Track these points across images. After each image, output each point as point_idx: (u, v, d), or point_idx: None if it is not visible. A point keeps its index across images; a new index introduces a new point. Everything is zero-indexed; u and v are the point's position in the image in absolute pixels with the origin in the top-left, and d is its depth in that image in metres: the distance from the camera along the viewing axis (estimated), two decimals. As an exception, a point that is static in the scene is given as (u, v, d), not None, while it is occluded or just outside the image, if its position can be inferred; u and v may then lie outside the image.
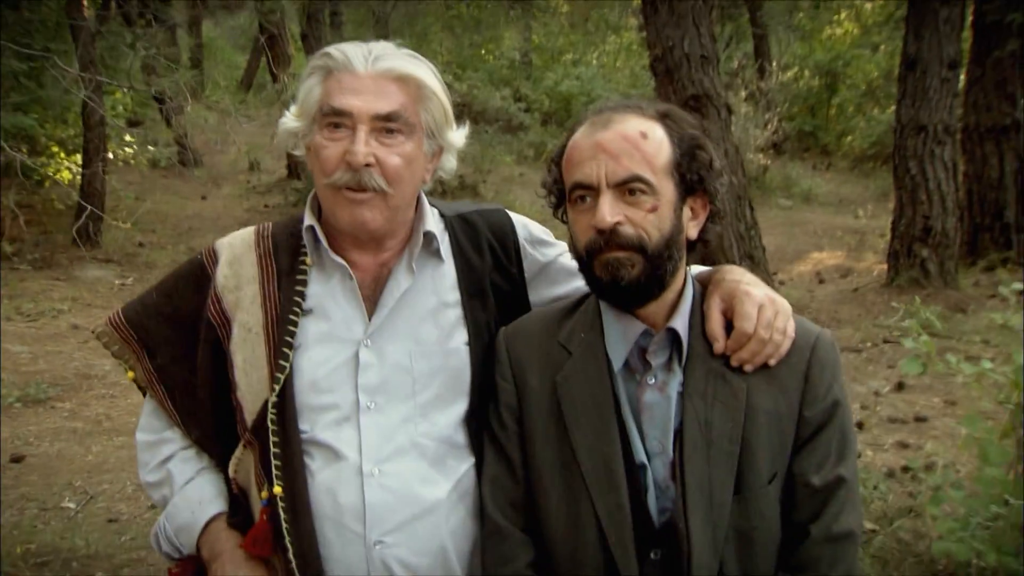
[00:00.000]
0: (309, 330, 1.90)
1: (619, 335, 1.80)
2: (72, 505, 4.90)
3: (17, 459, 5.47)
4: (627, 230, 1.67)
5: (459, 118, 2.00)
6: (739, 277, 1.84)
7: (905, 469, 4.73)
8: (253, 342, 1.91)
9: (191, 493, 1.99)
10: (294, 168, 15.17)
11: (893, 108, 10.70)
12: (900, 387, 6.41)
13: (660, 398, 1.76)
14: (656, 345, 1.78)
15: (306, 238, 1.93)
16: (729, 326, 1.77)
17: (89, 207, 9.08)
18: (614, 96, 18.21)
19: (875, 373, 6.84)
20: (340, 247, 1.93)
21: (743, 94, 16.60)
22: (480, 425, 1.93)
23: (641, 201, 1.68)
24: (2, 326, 8.24)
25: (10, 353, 7.57)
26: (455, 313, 1.97)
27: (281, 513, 1.83)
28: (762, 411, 1.73)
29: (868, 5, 22.77)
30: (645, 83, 18.54)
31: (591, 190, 1.70)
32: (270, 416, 1.85)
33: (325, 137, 1.83)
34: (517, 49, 22.17)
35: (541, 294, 2.10)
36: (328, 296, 1.93)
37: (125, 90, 12.60)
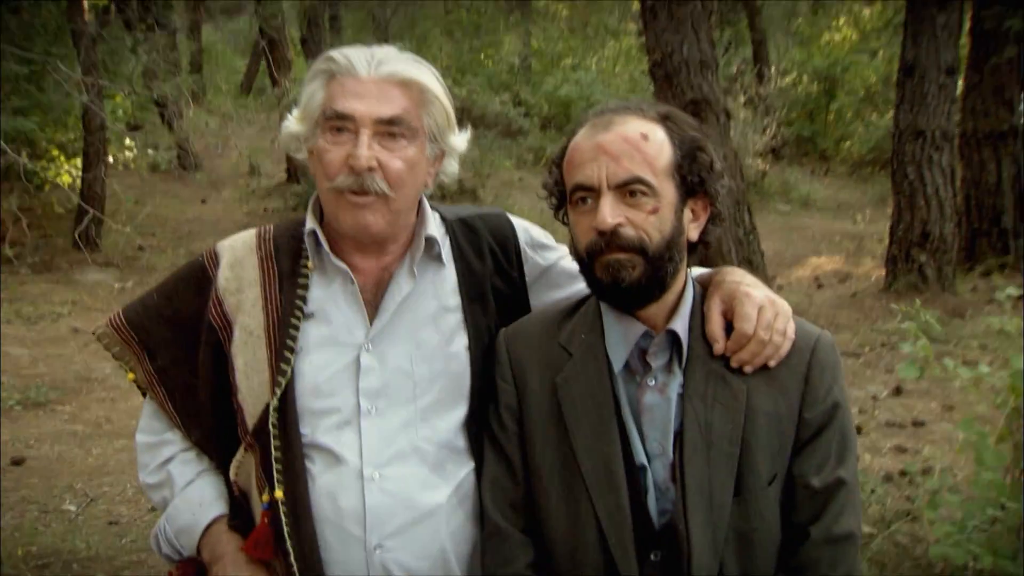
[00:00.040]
0: (310, 334, 1.90)
1: (619, 336, 1.79)
2: (72, 508, 4.92)
3: (18, 462, 5.49)
4: (628, 232, 1.67)
5: (459, 122, 2.00)
6: (739, 279, 1.84)
7: (903, 473, 4.75)
8: (254, 345, 1.90)
9: (192, 495, 1.98)
10: (294, 172, 15.17)
11: (891, 114, 10.72)
12: (898, 392, 6.43)
13: (660, 400, 1.76)
14: (656, 347, 1.77)
15: (308, 242, 1.93)
16: (729, 327, 1.77)
17: (91, 211, 9.10)
18: (611, 100, 18.23)
19: (873, 378, 6.86)
20: (342, 251, 1.93)
21: (742, 99, 16.61)
22: (480, 429, 1.93)
23: (642, 203, 1.67)
24: (2, 329, 8.25)
25: (10, 356, 7.59)
26: (456, 317, 1.96)
27: (282, 517, 1.83)
28: (762, 412, 1.73)
29: (866, 11, 22.84)
30: (644, 88, 18.54)
31: (592, 192, 1.70)
32: (271, 420, 1.84)
33: (328, 141, 1.83)
34: (516, 54, 22.18)
35: (542, 297, 2.10)
36: (329, 300, 1.92)
37: (125, 94, 12.62)
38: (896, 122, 9.65)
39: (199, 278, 2.02)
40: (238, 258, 1.99)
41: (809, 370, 1.75)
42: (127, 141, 13.07)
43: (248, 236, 2.04)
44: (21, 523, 4.67)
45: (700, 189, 1.76)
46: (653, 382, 1.77)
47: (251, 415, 1.89)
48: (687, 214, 1.76)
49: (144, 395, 2.10)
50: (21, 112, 10.58)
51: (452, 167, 2.00)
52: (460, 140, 1.99)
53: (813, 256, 12.75)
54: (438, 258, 1.98)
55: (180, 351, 2.02)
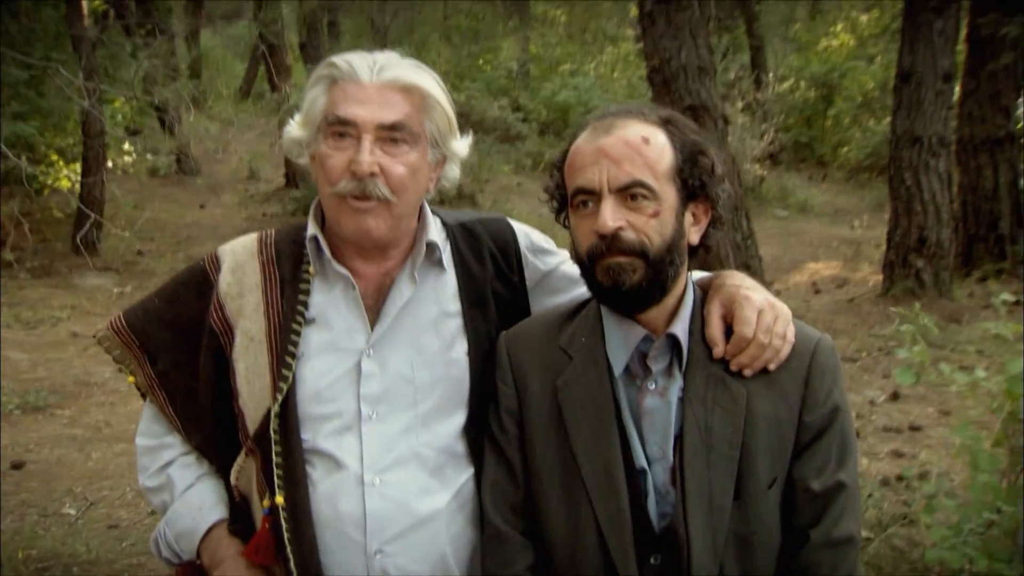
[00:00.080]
0: (311, 339, 1.90)
1: (620, 340, 1.79)
2: (72, 511, 4.92)
3: (17, 466, 5.49)
4: (629, 235, 1.67)
5: (460, 128, 2.01)
6: (739, 282, 1.84)
7: (899, 478, 4.76)
8: (255, 350, 1.91)
9: (192, 499, 1.99)
10: (292, 177, 15.18)
11: (888, 120, 10.73)
12: (895, 397, 6.44)
13: (661, 403, 1.76)
14: (656, 350, 1.78)
15: (309, 247, 1.94)
16: (729, 331, 1.77)
17: (93, 215, 9.11)
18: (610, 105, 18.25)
19: (870, 383, 6.87)
20: (343, 256, 1.93)
21: (740, 105, 16.63)
22: (479, 435, 1.93)
23: (643, 206, 1.68)
24: (2, 333, 8.26)
25: (10, 360, 7.59)
26: (456, 323, 1.97)
27: (283, 523, 1.83)
28: (762, 416, 1.73)
29: (863, 17, 22.87)
30: (642, 94, 18.55)
31: (593, 195, 1.70)
32: (272, 426, 1.85)
33: (330, 146, 1.84)
34: (515, 59, 22.20)
35: (543, 302, 2.10)
36: (330, 305, 1.93)
37: (125, 99, 12.64)
38: (893, 128, 9.66)
39: (200, 282, 2.02)
40: (239, 262, 2.00)
41: (809, 374, 1.75)
42: (126, 146, 13.07)
43: (249, 240, 2.05)
44: (21, 527, 4.67)
45: (701, 193, 1.76)
46: (653, 386, 1.77)
47: (252, 420, 1.90)
48: (688, 218, 1.77)
49: (144, 398, 2.10)
50: (21, 117, 10.58)
51: (454, 172, 2.01)
52: (462, 145, 1.99)
53: (811, 261, 12.76)
54: (439, 263, 1.99)
55: (181, 355, 2.03)
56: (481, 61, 22.31)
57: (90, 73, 9.80)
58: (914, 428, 5.83)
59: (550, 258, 2.13)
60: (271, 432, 1.85)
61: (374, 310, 1.93)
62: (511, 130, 17.56)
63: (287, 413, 1.85)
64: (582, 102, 18.68)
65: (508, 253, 2.09)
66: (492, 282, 2.04)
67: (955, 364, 4.96)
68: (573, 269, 1.96)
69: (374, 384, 1.88)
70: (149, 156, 13.65)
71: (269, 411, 1.86)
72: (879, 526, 4.05)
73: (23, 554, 4.32)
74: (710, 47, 8.10)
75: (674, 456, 1.74)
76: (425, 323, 1.95)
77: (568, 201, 1.79)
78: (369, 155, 1.79)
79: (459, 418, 1.93)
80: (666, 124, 1.75)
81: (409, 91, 1.85)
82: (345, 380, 1.88)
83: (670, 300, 1.78)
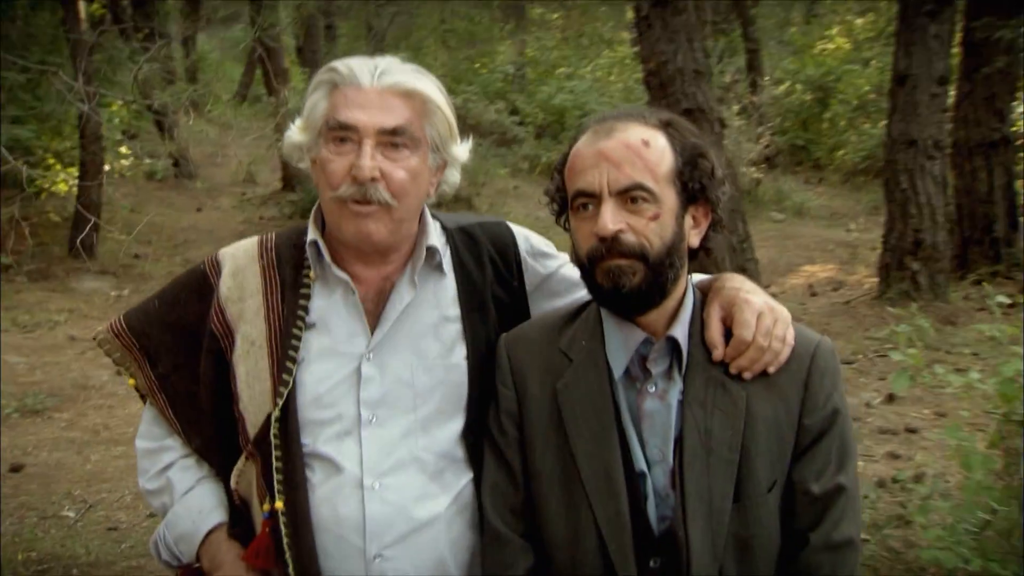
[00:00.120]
0: (312, 344, 1.90)
1: (620, 343, 1.80)
2: (71, 514, 4.94)
3: (16, 468, 5.51)
4: (629, 238, 1.68)
5: (459, 132, 2.01)
6: (739, 285, 1.84)
7: (895, 480, 4.78)
8: (256, 355, 1.92)
9: (191, 502, 2.00)
10: (289, 180, 15.19)
11: (884, 123, 10.75)
12: (891, 399, 6.44)
13: (660, 406, 1.76)
14: (656, 353, 1.78)
15: (309, 252, 1.94)
16: (729, 334, 1.77)
17: (93, 219, 9.12)
18: (607, 109, 18.26)
19: (866, 385, 6.88)
20: (343, 260, 1.94)
21: (736, 108, 16.62)
22: (478, 440, 1.93)
23: (643, 209, 1.68)
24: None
25: (7, 364, 7.60)
26: (456, 327, 1.97)
27: (282, 527, 1.84)
28: (761, 419, 1.73)
29: (859, 21, 22.90)
30: (638, 97, 18.56)
31: (593, 198, 1.70)
32: (273, 431, 1.85)
33: (331, 151, 1.84)
34: (511, 63, 22.20)
35: (542, 305, 2.10)
36: (331, 310, 1.93)
37: (121, 102, 12.62)
38: (889, 131, 9.67)
39: (201, 285, 2.03)
40: (240, 266, 2.00)
41: (809, 376, 1.76)
42: (122, 149, 13.07)
43: (250, 244, 2.05)
44: (20, 529, 4.69)
45: (701, 196, 1.76)
46: (653, 388, 1.78)
47: (252, 424, 1.91)
48: (688, 220, 1.77)
49: (144, 401, 2.11)
50: (18, 121, 10.58)
51: (454, 177, 2.01)
52: (462, 150, 1.99)
53: (807, 264, 12.77)
54: (439, 268, 1.99)
55: (181, 358, 2.03)
56: (477, 64, 22.30)
57: (88, 77, 9.79)
58: (910, 430, 5.84)
59: (550, 261, 2.13)
60: (271, 437, 1.85)
61: (374, 315, 1.93)
62: (508, 133, 17.57)
63: (287, 418, 1.86)
64: (578, 105, 18.69)
65: (508, 257, 2.09)
66: (492, 287, 2.04)
67: (950, 366, 4.98)
68: (573, 272, 1.97)
69: (374, 388, 1.88)
70: (147, 160, 13.63)
71: (269, 416, 1.86)
72: (875, 527, 4.07)
73: (23, 556, 4.34)
74: (706, 50, 8.12)
75: (674, 459, 1.74)
76: (425, 328, 1.95)
77: (568, 204, 1.80)
78: (370, 160, 1.80)
79: (458, 422, 1.93)
80: (666, 127, 1.75)
81: (410, 96, 1.85)
82: (345, 384, 1.88)
83: (670, 303, 1.78)
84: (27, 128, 10.87)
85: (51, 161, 12.12)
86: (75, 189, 11.33)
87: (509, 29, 23.45)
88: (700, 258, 1.86)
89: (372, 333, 1.91)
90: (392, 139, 1.82)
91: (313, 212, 1.99)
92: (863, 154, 18.24)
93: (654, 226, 1.69)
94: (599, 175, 1.69)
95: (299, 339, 1.89)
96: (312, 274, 1.94)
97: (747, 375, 1.75)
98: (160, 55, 11.72)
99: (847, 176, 18.78)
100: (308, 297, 1.93)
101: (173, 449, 2.06)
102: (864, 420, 6.06)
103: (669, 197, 1.71)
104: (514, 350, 1.93)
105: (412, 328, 1.94)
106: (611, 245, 1.68)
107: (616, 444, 1.76)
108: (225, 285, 1.99)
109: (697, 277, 1.92)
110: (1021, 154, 11.40)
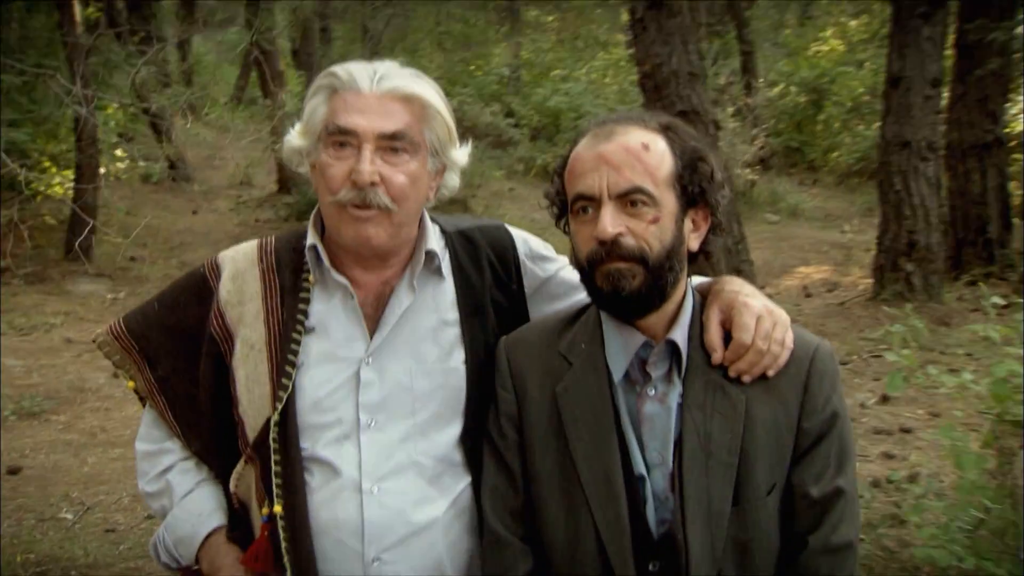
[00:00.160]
0: (311, 349, 1.91)
1: (619, 346, 1.80)
2: (69, 516, 4.94)
3: (14, 471, 5.51)
4: (628, 241, 1.67)
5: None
6: (738, 288, 1.84)
7: (890, 480, 4.80)
8: (255, 359, 1.92)
9: (191, 505, 2.01)
10: (285, 183, 15.20)
11: (878, 124, 10.78)
12: (885, 399, 6.45)
13: (660, 409, 1.76)
14: (656, 356, 1.78)
15: (308, 256, 1.94)
16: (728, 337, 1.77)
17: (91, 221, 9.11)
18: (602, 111, 18.30)
19: (861, 386, 6.90)
20: (343, 264, 1.94)
21: (730, 110, 16.65)
22: (476, 444, 1.93)
23: (643, 212, 1.68)
24: (-3, 340, 8.28)
25: (4, 367, 7.60)
26: (454, 331, 1.97)
27: (281, 532, 1.85)
28: (761, 422, 1.73)
29: (853, 23, 22.95)
30: (633, 99, 18.58)
31: (593, 201, 1.70)
32: (272, 435, 1.86)
33: (330, 156, 1.84)
34: (506, 65, 22.21)
35: (542, 309, 2.10)
36: (330, 314, 1.93)
37: (121, 106, 12.62)
38: (883, 133, 9.69)
39: (200, 289, 2.03)
40: (240, 270, 2.01)
41: (808, 379, 1.76)
42: (118, 152, 13.07)
43: (250, 248, 2.05)
44: (19, 531, 4.69)
45: (701, 199, 1.77)
46: (653, 392, 1.78)
47: (252, 428, 1.92)
48: (688, 224, 1.77)
49: (143, 403, 2.11)
50: (14, 124, 10.57)
51: (453, 181, 2.01)
52: (461, 154, 2.00)
53: (802, 265, 12.80)
54: (438, 272, 1.99)
55: (181, 361, 2.03)
56: (473, 67, 22.31)
57: (85, 80, 9.80)
58: (904, 430, 5.86)
59: (549, 264, 2.13)
60: (270, 441, 1.86)
61: (373, 319, 1.93)
62: (503, 135, 17.58)
63: (286, 422, 1.86)
64: (573, 107, 18.72)
65: (507, 260, 2.09)
66: (491, 290, 2.04)
67: (944, 367, 5.01)
68: (572, 275, 1.97)
69: (373, 393, 1.89)
70: (142, 163, 13.63)
71: (269, 420, 1.87)
72: (869, 527, 4.09)
73: (21, 558, 4.34)
74: (701, 53, 8.14)
75: (673, 462, 1.74)
76: (424, 332, 1.95)
77: (568, 207, 1.80)
78: (369, 164, 1.80)
79: (457, 427, 1.93)
80: (666, 131, 1.75)
81: (409, 100, 1.85)
82: (344, 389, 1.89)
83: (670, 306, 1.78)
84: (23, 131, 10.86)
85: (46, 164, 12.11)
86: (71, 192, 11.32)
87: (504, 31, 23.47)
88: (698, 260, 1.85)
89: (371, 337, 1.92)
90: (391, 143, 1.83)
91: (313, 216, 1.99)
92: (857, 156, 18.29)
93: (654, 229, 1.69)
94: (599, 179, 1.69)
95: (298, 343, 1.90)
96: (311, 278, 1.95)
97: (746, 378, 1.74)
98: (157, 58, 11.73)
99: (841, 178, 18.82)
100: (307, 301, 1.93)
101: (173, 452, 2.07)
102: (859, 420, 6.08)
103: (669, 201, 1.71)
104: (514, 353, 1.92)
105: (411, 332, 1.94)
106: (611, 248, 1.68)
107: (615, 447, 1.76)
108: (225, 289, 1.99)
109: (696, 280, 1.92)
110: (1014, 155, 11.45)
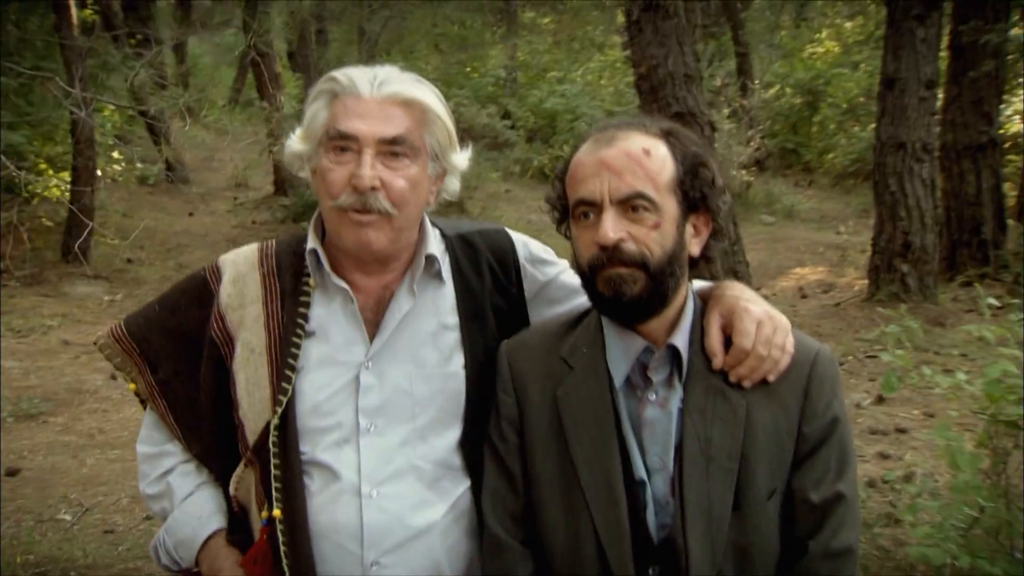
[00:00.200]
0: (311, 353, 1.91)
1: (620, 351, 1.79)
2: (68, 517, 4.95)
3: (12, 472, 5.52)
4: (630, 247, 1.67)
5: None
6: (739, 293, 1.84)
7: (885, 480, 4.82)
8: (256, 362, 1.92)
9: (191, 508, 2.01)
10: (281, 184, 15.21)
11: (873, 126, 10.82)
12: (881, 400, 6.48)
13: (661, 414, 1.76)
14: (657, 361, 1.78)
15: (309, 260, 1.94)
16: (729, 342, 1.77)
17: (90, 223, 9.12)
18: (598, 113, 18.35)
19: (857, 386, 6.93)
20: (343, 269, 1.94)
21: (726, 112, 16.68)
22: (475, 448, 1.93)
23: (644, 218, 1.68)
24: (-6, 342, 8.29)
25: (2, 368, 7.59)
26: (454, 336, 1.97)
27: (280, 535, 1.85)
28: (761, 427, 1.73)
29: (848, 24, 23.00)
30: (629, 100, 18.62)
31: (594, 206, 1.70)
32: (271, 439, 1.86)
33: (331, 160, 1.84)
34: (503, 67, 22.23)
35: (542, 312, 2.10)
36: (330, 318, 1.94)
37: (115, 108, 12.63)
38: (878, 134, 9.72)
39: (201, 292, 2.04)
40: (240, 274, 2.01)
41: (809, 384, 1.75)
42: (115, 154, 13.07)
43: (250, 251, 2.06)
44: (18, 532, 4.70)
45: (702, 204, 1.76)
46: (654, 396, 1.78)
47: (252, 432, 1.92)
48: (689, 229, 1.77)
49: (144, 406, 2.12)
50: (10, 126, 10.58)
51: (453, 185, 2.01)
52: (462, 158, 2.00)
53: (797, 267, 12.83)
54: (438, 276, 1.99)
55: (182, 364, 2.04)
56: (469, 69, 22.34)
57: (83, 83, 9.81)
58: (900, 430, 5.89)
59: (549, 268, 2.13)
60: (270, 445, 1.86)
61: (373, 323, 1.93)
62: (499, 137, 17.59)
63: (286, 426, 1.87)
64: (570, 109, 18.75)
65: (506, 264, 2.09)
66: (490, 295, 2.04)
67: (939, 367, 5.03)
68: (572, 279, 1.98)
69: (373, 397, 1.89)
70: (139, 164, 13.62)
71: (269, 423, 1.87)
72: (865, 526, 4.11)
73: (21, 559, 4.35)
74: (696, 54, 8.17)
75: (674, 467, 1.74)
76: (424, 336, 1.95)
77: (569, 212, 1.79)
78: (370, 169, 1.80)
79: (456, 431, 1.94)
80: (667, 136, 1.75)
81: (410, 105, 1.86)
82: (344, 393, 1.89)
83: (670, 311, 1.78)
84: (19, 133, 10.86)
85: (43, 166, 12.12)
86: (67, 194, 11.32)
87: (500, 33, 23.48)
88: (706, 265, 1.86)
89: (371, 342, 1.92)
90: (392, 148, 1.83)
91: (313, 220, 1.99)
92: (852, 157, 18.35)
93: (655, 235, 1.69)
94: (600, 184, 1.69)
95: (298, 347, 1.90)
96: (312, 282, 1.95)
97: (747, 384, 1.75)
98: (155, 61, 11.73)
99: (837, 179, 18.88)
100: (308, 305, 1.94)
101: (173, 454, 2.07)
102: (855, 421, 6.10)
103: (670, 206, 1.71)
104: (515, 357, 1.93)
105: (411, 337, 1.94)
106: (612, 254, 1.68)
107: (616, 452, 1.76)
108: (225, 292, 1.99)
109: (697, 284, 1.92)
110: (1009, 157, 11.50)
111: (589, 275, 1.74)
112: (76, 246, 10.02)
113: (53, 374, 7.72)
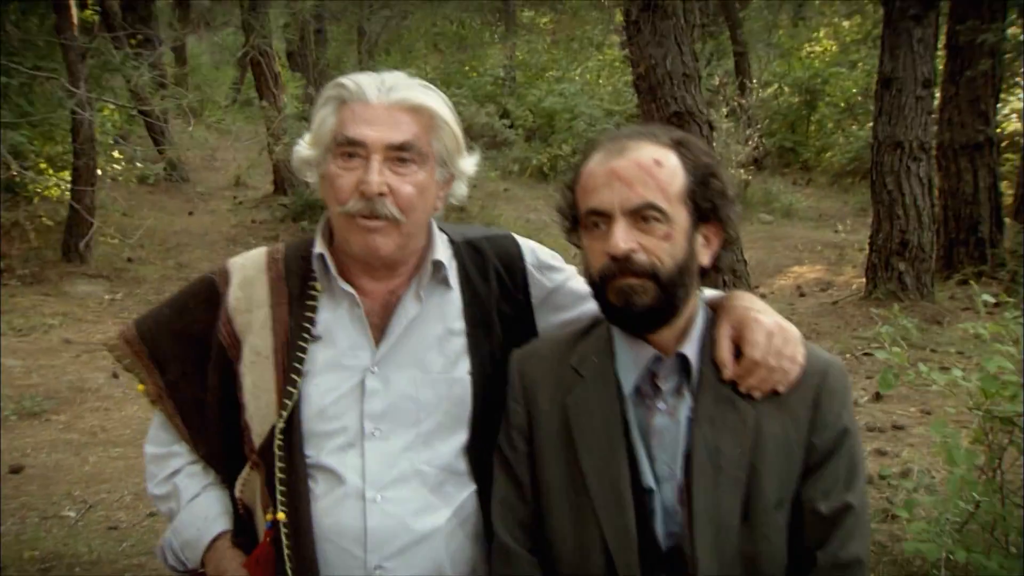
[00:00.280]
0: (317, 357, 1.92)
1: (630, 360, 1.79)
2: (72, 514, 4.98)
3: (16, 470, 5.55)
4: (640, 257, 1.67)
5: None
6: (749, 304, 1.83)
7: (882, 477, 4.86)
8: (262, 366, 1.93)
9: (197, 509, 2.02)
10: (281, 184, 15.24)
11: (871, 125, 10.86)
12: (878, 397, 6.52)
13: (670, 423, 1.76)
14: (666, 370, 1.78)
15: (316, 265, 1.95)
16: (739, 352, 1.76)
17: (93, 222, 9.15)
18: (597, 112, 18.39)
19: (854, 384, 6.95)
20: (350, 273, 1.95)
21: (724, 111, 16.70)
22: (481, 454, 1.94)
23: (655, 228, 1.68)
24: (-4, 341, 8.32)
25: (4, 367, 7.62)
26: (460, 342, 1.97)
27: (283, 538, 1.86)
28: (771, 437, 1.72)
29: (846, 23, 23.05)
30: (628, 100, 18.68)
31: (605, 217, 1.70)
32: (277, 442, 1.87)
33: (339, 166, 1.85)
34: (501, 66, 22.25)
35: (548, 319, 2.09)
36: (336, 323, 1.94)
37: (114, 107, 12.65)
38: (875, 133, 9.76)
39: (209, 295, 2.04)
40: (248, 277, 2.02)
41: (819, 395, 1.74)
42: (115, 154, 13.10)
43: (259, 255, 2.06)
44: (23, 529, 4.73)
45: (713, 215, 1.76)
46: (663, 405, 1.78)
47: (258, 435, 1.92)
48: (699, 239, 1.77)
49: (153, 406, 2.11)
50: (11, 126, 10.60)
51: (461, 190, 2.02)
52: (469, 164, 2.01)
53: (795, 265, 12.88)
54: (445, 282, 1.99)
55: (189, 366, 2.04)
56: (468, 68, 22.36)
57: (84, 83, 9.83)
58: (897, 427, 5.93)
59: (556, 275, 2.12)
60: (275, 448, 1.88)
61: (379, 328, 1.94)
62: (498, 136, 17.59)
63: (291, 430, 1.87)
64: (568, 108, 18.77)
65: (514, 271, 2.09)
66: (497, 301, 2.04)
67: (936, 365, 5.07)
68: (579, 285, 2.01)
69: (378, 402, 1.89)
70: (139, 164, 13.64)
71: (274, 427, 1.88)
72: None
73: (27, 555, 4.39)
74: (695, 54, 8.19)
75: (682, 476, 1.74)
76: (430, 342, 1.95)
77: (580, 221, 1.79)
78: (378, 175, 1.81)
79: (461, 437, 1.94)
80: (678, 146, 1.75)
81: (417, 111, 1.86)
82: (349, 397, 1.90)
83: (681, 321, 1.78)
84: (20, 133, 10.88)
85: (43, 166, 12.15)
86: (68, 193, 11.35)
87: (499, 33, 23.52)
88: (716, 274, 1.86)
89: (377, 347, 1.92)
90: (400, 154, 1.83)
91: (321, 225, 2.00)
92: (850, 156, 18.41)
93: (666, 245, 1.69)
94: (611, 194, 1.69)
95: (305, 351, 1.91)
96: (319, 287, 1.96)
97: (757, 395, 1.74)
98: (157, 60, 11.75)
99: (834, 178, 18.93)
100: (315, 310, 1.94)
101: (181, 455, 2.08)
102: (852, 418, 6.13)
103: (681, 216, 1.71)
104: (525, 366, 1.93)
105: (417, 342, 1.94)
106: (623, 264, 1.68)
107: (624, 460, 1.75)
108: (233, 296, 2.00)
109: (707, 293, 1.91)
110: (1005, 155, 11.55)
111: (600, 285, 1.74)
112: (80, 245, 10.03)
113: (55, 372, 7.75)
